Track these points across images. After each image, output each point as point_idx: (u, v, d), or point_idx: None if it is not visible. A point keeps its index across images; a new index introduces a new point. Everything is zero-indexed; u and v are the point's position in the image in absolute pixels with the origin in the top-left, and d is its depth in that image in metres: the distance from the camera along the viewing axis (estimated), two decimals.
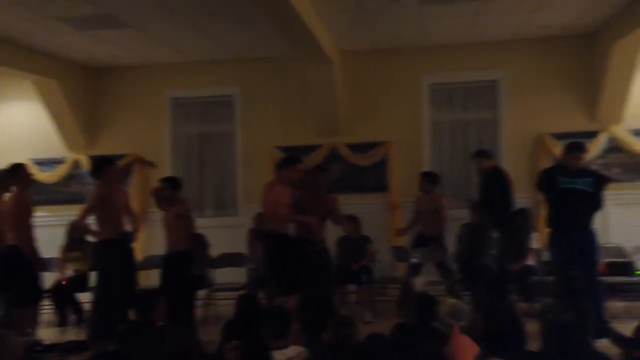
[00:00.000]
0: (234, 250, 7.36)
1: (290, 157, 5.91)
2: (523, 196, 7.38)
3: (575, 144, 5.63)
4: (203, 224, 6.98)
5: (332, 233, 7.25)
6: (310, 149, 8.25)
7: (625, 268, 6.99)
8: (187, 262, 5.99)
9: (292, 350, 3.57)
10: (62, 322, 6.79)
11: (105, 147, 8.58)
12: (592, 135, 7.80)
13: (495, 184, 6.59)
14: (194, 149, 8.72)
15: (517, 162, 7.96)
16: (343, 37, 7.50)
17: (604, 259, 6.93)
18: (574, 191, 5.46)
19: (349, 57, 8.13)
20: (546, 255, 6.80)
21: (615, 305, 6.73)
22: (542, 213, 6.50)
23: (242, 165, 8.50)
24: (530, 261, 6.89)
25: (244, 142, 8.49)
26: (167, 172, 8.42)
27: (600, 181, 5.56)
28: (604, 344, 4.14)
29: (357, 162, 8.23)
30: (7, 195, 5.68)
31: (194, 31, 6.96)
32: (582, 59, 7.89)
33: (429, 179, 7.22)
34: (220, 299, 6.96)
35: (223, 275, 7.25)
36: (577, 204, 5.47)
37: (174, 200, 6.00)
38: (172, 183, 6.08)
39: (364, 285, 6.77)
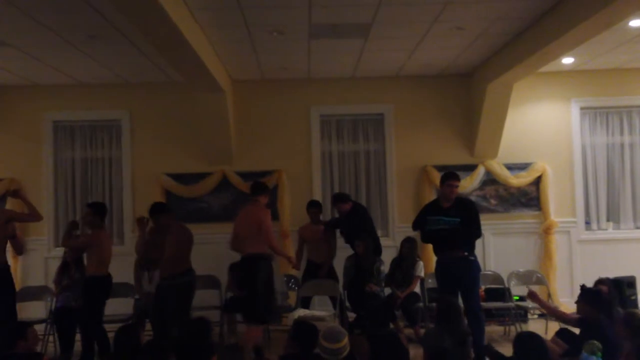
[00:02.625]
0: (119, 280, 7.10)
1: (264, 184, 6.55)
2: (409, 225, 7.71)
3: (448, 174, 6.04)
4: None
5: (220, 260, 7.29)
6: (201, 176, 8.19)
7: (502, 294, 7.46)
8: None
9: None
10: None
11: None
12: (471, 168, 8.33)
13: (358, 219, 7.09)
14: (77, 174, 8.36)
15: (404, 191, 8.36)
16: (234, 66, 7.57)
17: (483, 286, 7.39)
18: (441, 228, 5.82)
19: (241, 86, 8.21)
20: (431, 283, 7.17)
21: (493, 329, 7.18)
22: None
23: (130, 191, 8.26)
24: (416, 288, 7.19)
25: (132, 167, 8.28)
26: (47, 197, 8.06)
27: (469, 210, 5.94)
28: None
29: (247, 190, 8.22)
30: None
31: (77, 53, 6.73)
32: (462, 96, 8.44)
33: (318, 207, 7.43)
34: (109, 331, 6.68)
35: (108, 306, 6.97)
36: (447, 239, 5.81)
37: (95, 225, 6.09)
38: (97, 208, 6.19)
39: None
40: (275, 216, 8.18)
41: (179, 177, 8.19)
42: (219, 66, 7.13)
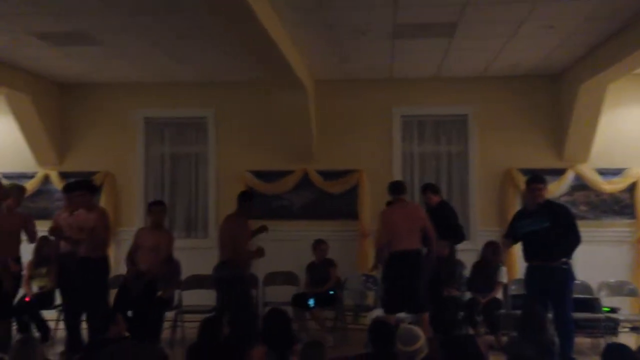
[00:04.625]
0: (203, 272, 7.36)
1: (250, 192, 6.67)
2: (492, 229, 7.54)
3: (532, 177, 5.88)
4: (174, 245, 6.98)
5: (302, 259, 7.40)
6: (283, 173, 8.32)
7: (591, 305, 7.13)
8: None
9: None
10: None
11: (76, 164, 8.54)
12: (559, 172, 8.01)
13: (443, 215, 6.85)
14: (166, 170, 8.72)
15: (486, 195, 8.16)
16: (317, 66, 7.64)
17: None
18: (528, 231, 5.67)
19: (323, 85, 8.27)
20: (514, 289, 6.97)
21: (581, 341, 6.88)
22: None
23: (214, 187, 8.52)
24: (499, 294, 7.01)
25: (217, 164, 8.53)
26: (139, 192, 8.44)
27: (560, 214, 5.74)
28: None
29: (327, 189, 8.31)
30: None
31: (169, 52, 7.03)
32: (550, 98, 8.14)
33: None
34: (187, 321, 6.94)
35: (191, 297, 7.24)
36: (539, 243, 5.63)
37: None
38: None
39: (316, 308, 6.90)
40: (355, 216, 8.22)
41: (261, 175, 8.36)
42: (302, 65, 7.23)
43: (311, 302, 6.88)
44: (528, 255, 5.86)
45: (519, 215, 5.97)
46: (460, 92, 8.29)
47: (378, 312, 6.47)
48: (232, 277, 6.09)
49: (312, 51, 7.00)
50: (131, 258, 6.40)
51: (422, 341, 3.86)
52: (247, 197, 6.49)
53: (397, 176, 8.29)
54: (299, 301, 7.01)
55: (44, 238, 7.09)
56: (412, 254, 6.12)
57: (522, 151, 8.14)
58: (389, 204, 7.31)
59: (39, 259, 7.05)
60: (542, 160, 8.07)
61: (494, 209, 7.98)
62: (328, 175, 8.28)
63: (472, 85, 8.26)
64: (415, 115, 8.43)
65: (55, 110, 8.55)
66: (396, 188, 6.47)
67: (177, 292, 7.10)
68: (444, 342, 4.21)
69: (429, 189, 7.11)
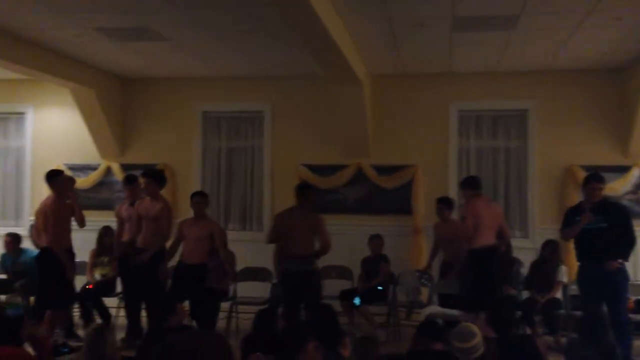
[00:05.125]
0: (257, 264, 7.46)
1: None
2: (551, 227, 7.34)
3: (592, 175, 5.72)
4: (229, 237, 7.09)
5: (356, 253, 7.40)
6: (337, 168, 8.33)
7: None
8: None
9: None
10: (87, 326, 6.93)
11: (136, 156, 8.78)
12: (623, 169, 7.74)
13: None
14: (223, 163, 8.86)
15: (546, 191, 7.95)
16: (374, 60, 7.60)
17: (633, 297, 6.84)
18: (586, 231, 5.51)
19: (379, 80, 8.22)
20: (574, 289, 6.78)
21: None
22: (570, 245, 6.48)
23: (269, 180, 8.60)
24: (558, 294, 6.83)
25: (272, 158, 8.61)
26: (196, 184, 8.61)
27: (619, 214, 5.56)
28: None
29: (382, 184, 8.27)
30: (46, 200, 5.90)
31: (227, 47, 7.12)
32: (615, 93, 7.86)
33: (447, 205, 7.22)
34: (241, 312, 7.05)
35: (246, 289, 7.34)
36: (594, 242, 5.47)
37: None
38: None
39: (363, 305, 6.86)
40: (409, 211, 8.16)
41: (315, 169, 8.39)
42: (358, 59, 7.20)
43: (357, 300, 6.85)
44: (581, 254, 5.73)
45: (574, 212, 5.82)
46: (520, 86, 8.10)
47: (432, 309, 6.39)
48: (310, 271, 6.09)
49: (370, 45, 6.96)
50: (173, 249, 6.49)
51: (478, 339, 3.80)
52: (311, 189, 6.48)
53: (453, 172, 8.18)
54: (346, 297, 7.00)
55: (105, 228, 7.35)
56: (495, 250, 6.08)
57: (585, 147, 7.89)
58: (442, 200, 7.21)
59: (101, 247, 7.29)
60: (606, 157, 7.81)
61: (553, 206, 7.77)
62: (383, 170, 8.24)
63: (533, 79, 8.05)
64: (473, 110, 8.28)
65: (118, 103, 8.81)
66: (477, 183, 6.38)
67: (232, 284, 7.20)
68: (501, 342, 4.14)
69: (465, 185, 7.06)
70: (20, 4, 5.78)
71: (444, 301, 6.67)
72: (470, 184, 6.38)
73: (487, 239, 6.05)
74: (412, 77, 8.28)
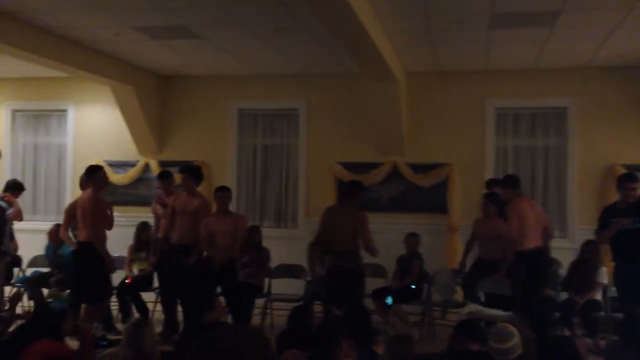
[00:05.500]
0: (292, 261, 7.49)
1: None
2: (591, 227, 7.18)
3: (625, 175, 5.62)
4: (263, 235, 7.15)
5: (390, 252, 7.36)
6: (372, 166, 8.31)
7: None
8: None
9: None
10: (125, 320, 7.05)
11: (174, 153, 8.90)
12: None
13: None
14: (258, 160, 8.91)
15: (587, 191, 7.81)
16: (409, 57, 7.55)
17: None
18: (623, 231, 5.44)
19: (414, 77, 8.16)
20: (614, 291, 6.63)
21: None
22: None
23: (304, 178, 8.63)
24: (598, 295, 6.69)
25: (307, 155, 8.63)
26: (231, 181, 8.68)
27: None
28: None
29: (417, 182, 8.22)
30: (84, 195, 6.03)
31: (263, 45, 7.16)
32: None
33: (494, 201, 7.05)
34: (276, 309, 7.09)
35: (280, 286, 7.38)
36: (630, 242, 5.37)
37: None
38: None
39: (396, 305, 6.81)
40: (444, 210, 8.09)
41: (350, 166, 8.38)
42: (394, 57, 7.16)
43: (389, 300, 6.81)
44: (616, 255, 5.65)
45: (609, 212, 5.75)
46: (559, 83, 7.96)
47: (471, 308, 6.29)
48: (352, 267, 6.09)
49: (406, 42, 6.92)
50: (205, 244, 6.48)
51: (516, 339, 3.75)
52: (362, 187, 6.44)
53: (490, 171, 8.09)
54: (379, 296, 6.97)
55: (143, 223, 7.47)
56: (542, 252, 6.02)
57: (627, 146, 7.74)
58: (490, 196, 7.03)
59: (139, 243, 7.41)
60: None
61: (594, 206, 7.58)
62: (418, 168, 8.20)
63: (573, 77, 7.90)
64: (511, 108, 8.17)
65: (156, 101, 8.95)
66: (518, 182, 6.24)
67: (266, 280, 7.25)
68: (541, 343, 4.08)
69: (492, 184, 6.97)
70: (62, 3, 5.92)
71: (491, 301, 6.58)
72: (511, 183, 6.24)
73: (534, 240, 5.94)
74: (448, 74, 8.20)
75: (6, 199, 7.25)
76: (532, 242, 5.92)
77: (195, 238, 6.38)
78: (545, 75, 7.97)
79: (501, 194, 6.51)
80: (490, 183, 7.22)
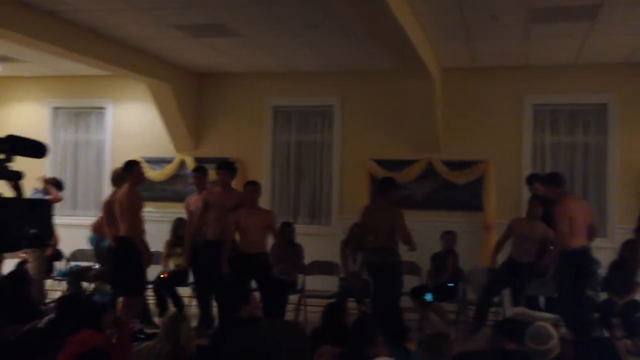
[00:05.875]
0: (325, 258, 7.50)
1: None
2: (632, 227, 7.02)
3: None
4: (297, 231, 7.17)
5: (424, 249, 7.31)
6: (406, 163, 8.25)
7: None
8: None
9: None
10: (162, 314, 7.17)
11: (209, 150, 8.99)
12: None
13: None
14: (292, 157, 8.94)
15: (628, 189, 7.64)
16: (445, 53, 7.48)
17: None
18: None
19: (450, 74, 8.08)
20: None
21: None
22: None
23: (338, 175, 8.62)
24: (637, 296, 6.53)
25: (341, 152, 8.62)
26: (266, 177, 8.73)
27: None
28: None
29: (452, 179, 8.14)
30: (121, 190, 6.14)
31: (298, 41, 7.18)
32: None
33: (539, 200, 6.70)
34: (310, 305, 7.12)
35: (314, 283, 7.40)
36: None
37: None
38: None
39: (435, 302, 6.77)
40: (479, 207, 8.00)
41: (384, 163, 8.34)
42: (430, 53, 7.10)
43: (428, 297, 6.77)
44: None
45: None
46: (600, 79, 7.79)
47: (517, 310, 6.20)
48: (391, 263, 6.11)
49: (442, 38, 6.86)
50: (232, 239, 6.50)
51: (554, 340, 3.69)
52: (394, 183, 6.48)
53: (527, 168, 7.96)
54: (417, 294, 6.93)
55: (179, 219, 7.57)
56: (588, 251, 5.92)
57: None
58: (539, 198, 6.85)
59: (175, 238, 7.52)
60: None
61: (634, 205, 7.42)
62: (453, 165, 8.11)
63: (614, 72, 7.72)
64: (549, 104, 8.02)
65: (192, 98, 9.05)
66: (563, 180, 6.10)
67: (300, 277, 7.28)
68: (580, 344, 4.01)
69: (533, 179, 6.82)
70: (101, 2, 6.04)
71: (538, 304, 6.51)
72: (557, 181, 6.07)
73: (580, 239, 5.84)
74: (485, 70, 8.10)
75: (43, 189, 7.48)
76: (578, 241, 5.81)
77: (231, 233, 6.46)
78: (585, 71, 7.80)
79: (545, 192, 6.33)
80: (532, 178, 7.07)
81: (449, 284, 6.95)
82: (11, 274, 5.93)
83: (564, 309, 5.78)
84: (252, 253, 6.32)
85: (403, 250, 6.28)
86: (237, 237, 6.44)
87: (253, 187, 6.53)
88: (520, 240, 6.74)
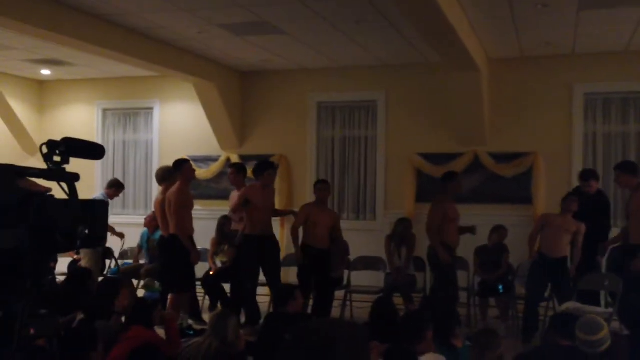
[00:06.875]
0: (371, 254, 7.47)
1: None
2: None
3: None
4: (342, 227, 7.15)
5: (471, 243, 7.20)
6: (452, 156, 8.14)
7: None
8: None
9: (432, 357, 3.59)
10: (211, 310, 7.27)
11: (254, 147, 9.06)
12: None
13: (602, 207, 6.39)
14: (337, 152, 8.93)
15: None
16: (492, 44, 7.33)
17: None
18: None
19: (497, 64, 7.92)
20: None
21: None
22: None
23: (383, 170, 8.57)
24: None
25: (386, 147, 8.56)
26: (311, 174, 8.74)
27: None
28: None
29: (499, 172, 7.97)
30: (172, 188, 6.25)
31: (342, 37, 7.14)
32: None
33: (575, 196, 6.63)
34: (355, 301, 7.11)
35: (360, 278, 7.39)
36: None
37: None
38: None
39: (501, 297, 6.65)
40: (528, 200, 7.83)
41: (430, 157, 8.25)
42: (476, 44, 6.97)
43: (500, 288, 6.68)
44: None
45: None
46: None
47: (569, 305, 6.04)
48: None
49: (488, 29, 6.72)
50: (296, 232, 6.63)
51: (605, 331, 3.60)
52: (449, 177, 6.63)
53: (578, 159, 7.75)
54: (484, 288, 6.82)
55: (224, 217, 7.65)
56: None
57: None
58: (576, 191, 6.66)
59: (221, 236, 7.60)
60: None
61: None
62: (500, 157, 7.95)
63: None
64: (601, 93, 7.78)
65: (237, 96, 9.13)
66: (637, 168, 5.87)
67: (346, 272, 7.27)
68: (634, 339, 3.88)
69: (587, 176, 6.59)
70: (148, 5, 6.14)
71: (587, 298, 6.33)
72: (632, 169, 5.80)
73: None
74: (533, 59, 7.90)
75: (106, 191, 7.71)
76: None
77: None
78: (637, 58, 7.53)
79: (619, 181, 6.09)
80: (588, 174, 6.75)
81: (509, 278, 6.87)
82: (72, 276, 6.09)
83: (624, 303, 5.57)
84: (321, 248, 6.52)
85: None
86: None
87: (323, 185, 6.76)
88: (553, 235, 6.51)
